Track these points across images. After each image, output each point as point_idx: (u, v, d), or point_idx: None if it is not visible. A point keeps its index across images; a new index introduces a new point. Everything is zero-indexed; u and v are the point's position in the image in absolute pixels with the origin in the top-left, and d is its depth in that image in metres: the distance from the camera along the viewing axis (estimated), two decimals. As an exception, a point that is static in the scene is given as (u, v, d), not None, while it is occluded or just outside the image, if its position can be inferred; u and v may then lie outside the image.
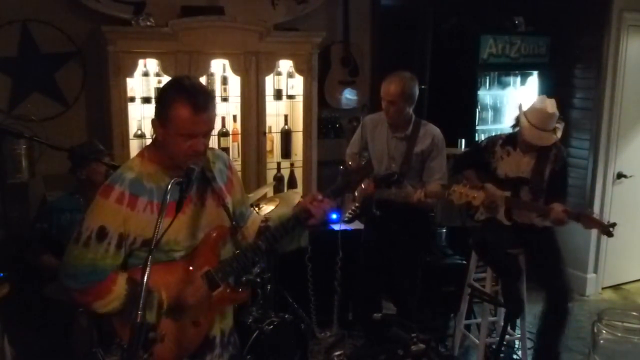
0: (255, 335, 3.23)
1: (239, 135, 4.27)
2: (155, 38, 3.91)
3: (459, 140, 4.84)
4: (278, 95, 4.41)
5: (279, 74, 4.38)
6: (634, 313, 1.91)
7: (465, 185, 3.43)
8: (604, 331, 1.84)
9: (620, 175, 5.12)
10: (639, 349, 1.79)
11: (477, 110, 5.07)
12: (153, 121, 1.98)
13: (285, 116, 4.50)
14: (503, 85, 5.24)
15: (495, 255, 3.68)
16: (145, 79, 4.01)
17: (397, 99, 3.52)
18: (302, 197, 3.94)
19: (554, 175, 3.56)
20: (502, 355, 3.83)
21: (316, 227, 2.15)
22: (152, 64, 4.03)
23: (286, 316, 3.47)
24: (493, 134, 4.41)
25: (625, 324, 1.86)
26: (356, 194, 3.66)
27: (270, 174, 4.46)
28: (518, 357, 4.01)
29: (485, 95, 5.18)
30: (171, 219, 1.84)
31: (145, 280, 1.70)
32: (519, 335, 3.92)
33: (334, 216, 3.95)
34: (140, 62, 3.94)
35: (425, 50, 4.81)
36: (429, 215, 3.92)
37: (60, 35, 4.00)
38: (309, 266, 3.99)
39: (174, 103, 1.89)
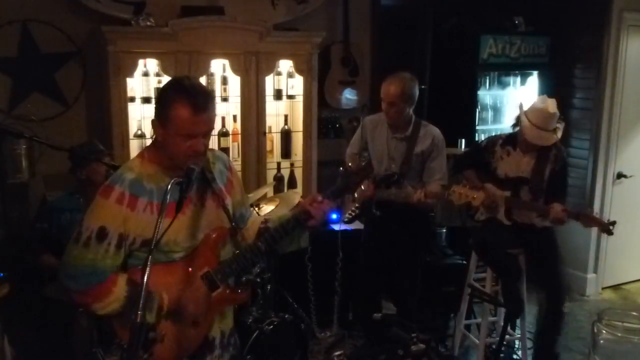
0: (255, 335, 3.23)
1: (239, 135, 4.27)
2: (155, 38, 3.91)
3: (459, 140, 4.84)
4: (278, 95, 4.41)
5: (279, 74, 4.38)
6: (634, 313, 1.91)
7: (465, 185, 3.44)
8: (604, 331, 1.85)
9: (620, 175, 5.12)
10: (639, 349, 1.79)
11: (477, 110, 5.07)
12: (153, 122, 1.98)
13: (285, 116, 4.50)
14: (503, 85, 5.24)
15: (495, 255, 3.68)
16: (145, 79, 4.01)
17: (397, 100, 3.52)
18: (302, 197, 3.95)
19: (554, 175, 3.56)
20: (502, 355, 3.83)
21: (316, 228, 2.15)
22: (152, 64, 4.03)
23: (286, 316, 3.47)
24: (493, 134, 4.41)
25: (625, 324, 1.86)
26: (356, 195, 3.66)
27: (270, 174, 4.46)
28: (518, 357, 4.01)
29: (485, 95, 5.18)
30: (171, 220, 1.84)
31: (145, 280, 1.70)
32: (519, 335, 3.92)
33: (334, 216, 3.95)
34: (140, 62, 3.94)
35: (425, 50, 4.81)
36: (429, 216, 3.92)
37: (60, 35, 4.00)
38: (309, 266, 3.99)
39: (174, 103, 1.89)
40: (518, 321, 3.90)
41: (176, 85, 1.95)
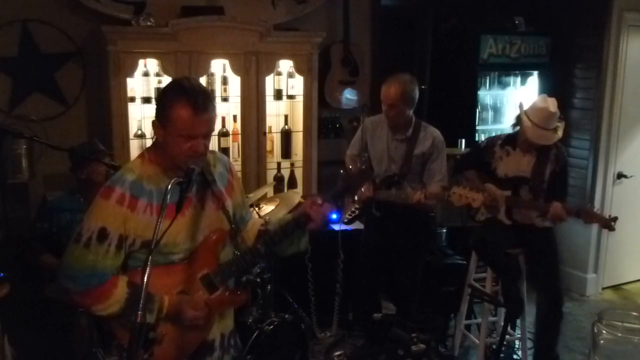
0: (255, 335, 3.23)
1: (239, 135, 4.27)
2: (156, 38, 3.91)
3: (459, 141, 4.84)
4: (278, 95, 4.41)
5: (279, 74, 4.38)
6: (634, 313, 1.91)
7: (465, 187, 3.44)
8: (604, 331, 1.85)
9: (620, 176, 5.12)
10: (639, 349, 1.79)
11: (477, 110, 5.07)
12: (153, 122, 1.98)
13: (286, 116, 4.50)
14: (503, 85, 5.24)
15: (495, 255, 3.68)
16: (145, 79, 4.01)
17: (398, 102, 3.52)
18: (302, 197, 3.95)
19: (555, 175, 3.56)
20: (502, 355, 3.83)
21: (316, 231, 2.15)
22: (152, 64, 4.03)
23: (286, 316, 3.47)
24: (493, 134, 4.41)
25: (625, 324, 1.86)
26: (356, 197, 3.67)
27: (271, 174, 4.46)
28: (518, 357, 4.01)
29: (485, 95, 5.18)
30: (171, 221, 1.84)
31: (145, 280, 1.70)
32: (519, 335, 3.92)
33: (334, 216, 3.95)
34: (141, 62, 3.94)
35: (425, 50, 4.81)
36: (429, 216, 3.92)
37: (60, 35, 4.00)
38: (309, 266, 3.99)
39: (174, 104, 1.89)
40: (518, 321, 3.90)
41: (176, 86, 1.95)
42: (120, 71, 3.82)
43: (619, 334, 1.83)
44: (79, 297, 1.96)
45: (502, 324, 3.52)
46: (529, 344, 3.87)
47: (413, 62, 4.78)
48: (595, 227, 4.95)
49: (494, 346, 3.77)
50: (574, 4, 4.99)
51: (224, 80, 4.22)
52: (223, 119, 4.22)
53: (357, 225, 3.98)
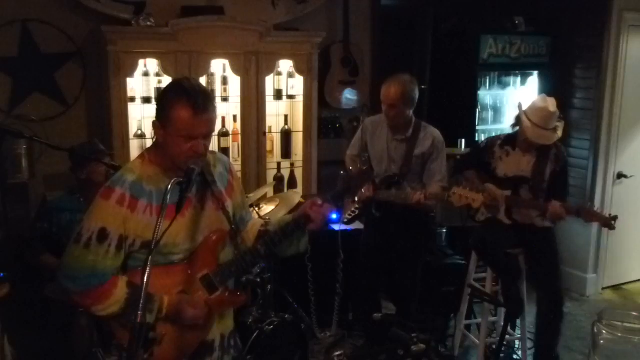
0: (255, 335, 3.23)
1: (239, 135, 4.27)
2: (156, 38, 3.91)
3: (459, 141, 4.84)
4: (278, 95, 4.41)
5: (279, 74, 4.38)
6: (634, 313, 1.91)
7: (466, 187, 3.44)
8: (604, 331, 1.85)
9: (620, 176, 5.12)
10: (639, 349, 1.79)
11: (477, 110, 5.07)
12: (154, 123, 1.98)
13: (286, 116, 4.50)
14: (503, 85, 5.24)
15: (495, 255, 3.68)
16: (145, 79, 4.01)
17: (398, 103, 3.52)
18: (302, 197, 3.95)
19: (555, 175, 3.57)
20: (502, 355, 3.83)
21: (316, 231, 2.15)
22: (152, 64, 4.03)
23: (286, 316, 3.47)
24: (493, 134, 4.41)
25: (625, 324, 1.86)
26: (356, 197, 3.67)
27: (271, 174, 4.46)
28: (518, 357, 4.01)
29: (486, 95, 5.18)
30: (170, 221, 1.84)
31: (145, 280, 1.70)
32: (519, 335, 3.92)
33: (334, 217, 3.95)
34: (141, 62, 3.94)
35: (425, 50, 4.80)
36: (429, 216, 3.92)
37: (60, 35, 4.00)
38: (309, 266, 3.99)
39: (175, 105, 1.89)
40: (518, 321, 3.90)
41: (177, 87, 1.95)
42: (120, 71, 3.82)
43: (619, 334, 1.83)
44: (78, 297, 1.96)
45: (502, 324, 3.52)
46: (529, 344, 3.87)
47: (413, 62, 4.78)
48: (595, 227, 4.96)
49: (494, 346, 3.77)
50: (574, 4, 4.99)
51: (224, 80, 4.22)
52: (223, 119, 4.22)
53: (357, 225, 3.97)
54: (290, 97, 4.43)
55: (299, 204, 3.51)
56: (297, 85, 4.40)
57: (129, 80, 3.92)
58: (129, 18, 3.95)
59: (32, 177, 3.86)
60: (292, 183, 4.54)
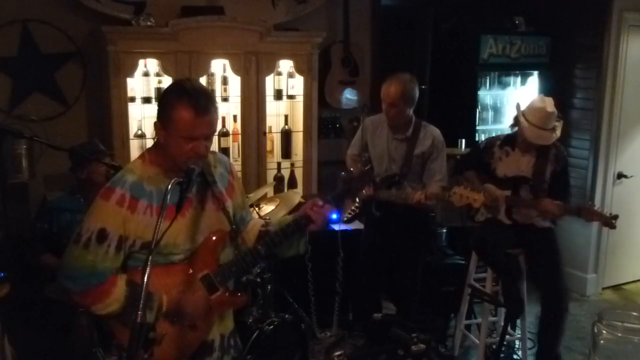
0: (255, 335, 3.23)
1: (239, 135, 4.28)
2: (156, 38, 3.91)
3: (459, 141, 4.84)
4: (278, 95, 4.41)
5: (279, 74, 4.38)
6: (634, 313, 1.91)
7: (466, 187, 3.44)
8: (604, 331, 1.84)
9: (620, 176, 5.12)
10: (639, 349, 1.79)
11: (477, 110, 5.07)
12: (155, 123, 1.98)
13: (286, 116, 4.50)
14: (503, 85, 5.24)
15: (495, 255, 3.68)
16: (145, 79, 4.01)
17: (398, 101, 3.52)
18: (302, 197, 3.95)
19: (556, 176, 3.56)
20: (502, 355, 3.83)
21: (316, 232, 2.15)
22: (152, 64, 4.03)
23: (286, 316, 3.47)
24: (493, 134, 4.41)
25: (625, 324, 1.85)
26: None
27: (271, 174, 4.46)
28: (518, 357, 4.01)
29: (486, 95, 5.18)
30: (171, 221, 1.84)
31: (145, 280, 1.70)
32: (519, 335, 3.92)
33: (334, 216, 3.95)
34: (141, 62, 3.94)
35: (425, 50, 4.81)
36: (429, 216, 3.92)
37: (60, 35, 4.00)
38: (309, 266, 3.99)
39: (176, 105, 1.89)
40: (518, 321, 3.90)
41: (178, 88, 1.95)
42: (120, 71, 3.82)
43: (619, 334, 1.82)
44: (78, 297, 1.96)
45: (502, 324, 3.53)
46: (529, 344, 3.87)
47: (413, 62, 4.78)
48: (595, 227, 4.96)
49: (494, 346, 3.77)
50: (574, 4, 4.99)
51: (224, 80, 4.22)
52: (223, 119, 4.22)
53: (357, 225, 3.97)
54: (291, 97, 4.43)
55: (299, 204, 3.51)
56: (297, 85, 4.40)
57: (129, 80, 3.92)
58: (129, 18, 3.95)
59: (32, 177, 3.86)
60: (292, 183, 4.54)
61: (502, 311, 3.85)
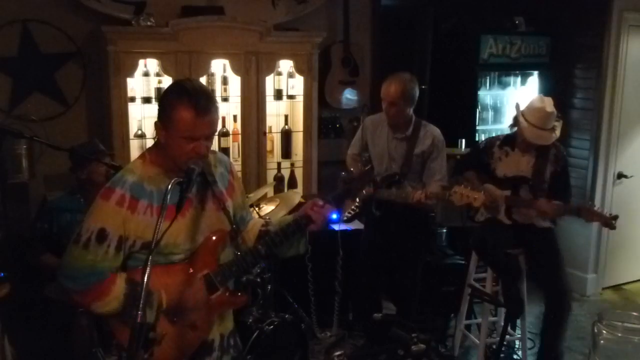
0: (255, 335, 3.23)
1: (239, 135, 4.28)
2: (156, 38, 3.91)
3: (459, 141, 4.84)
4: (278, 95, 4.41)
5: (279, 74, 4.38)
6: (634, 313, 1.90)
7: (467, 186, 3.44)
8: (604, 331, 1.84)
9: (620, 176, 5.12)
10: (639, 349, 1.79)
11: (478, 110, 5.07)
12: (156, 124, 1.98)
13: (286, 116, 4.50)
14: (503, 85, 5.24)
15: (495, 255, 3.68)
16: (145, 79, 4.01)
17: (398, 100, 3.53)
18: (302, 197, 3.95)
19: (556, 176, 3.56)
20: (502, 355, 3.83)
21: (316, 232, 2.15)
22: (152, 64, 4.03)
23: (286, 316, 3.47)
24: (493, 134, 4.41)
25: (625, 324, 1.85)
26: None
27: (271, 174, 4.46)
28: (518, 357, 4.01)
29: (486, 95, 5.18)
30: (171, 221, 1.84)
31: (145, 280, 1.70)
32: (519, 335, 3.92)
33: (334, 216, 3.95)
34: (141, 62, 3.94)
35: (425, 50, 4.81)
36: (429, 216, 3.92)
37: (60, 35, 4.00)
38: (309, 266, 3.99)
39: (177, 105, 1.89)
40: (518, 321, 3.90)
41: (178, 88, 1.95)
42: (120, 71, 3.82)
43: (619, 334, 1.82)
44: (78, 296, 1.96)
45: (502, 324, 3.52)
46: (529, 344, 3.87)
47: (413, 62, 4.78)
48: (595, 227, 4.96)
49: (494, 346, 3.77)
50: (574, 4, 4.99)
51: (224, 80, 4.22)
52: (223, 119, 4.22)
53: (357, 224, 3.97)
54: (291, 97, 4.43)
55: (299, 204, 3.51)
56: (297, 85, 4.40)
57: (129, 80, 3.92)
58: (129, 18, 3.95)
59: (32, 177, 3.86)
60: (292, 183, 4.54)
61: (502, 311, 3.86)
